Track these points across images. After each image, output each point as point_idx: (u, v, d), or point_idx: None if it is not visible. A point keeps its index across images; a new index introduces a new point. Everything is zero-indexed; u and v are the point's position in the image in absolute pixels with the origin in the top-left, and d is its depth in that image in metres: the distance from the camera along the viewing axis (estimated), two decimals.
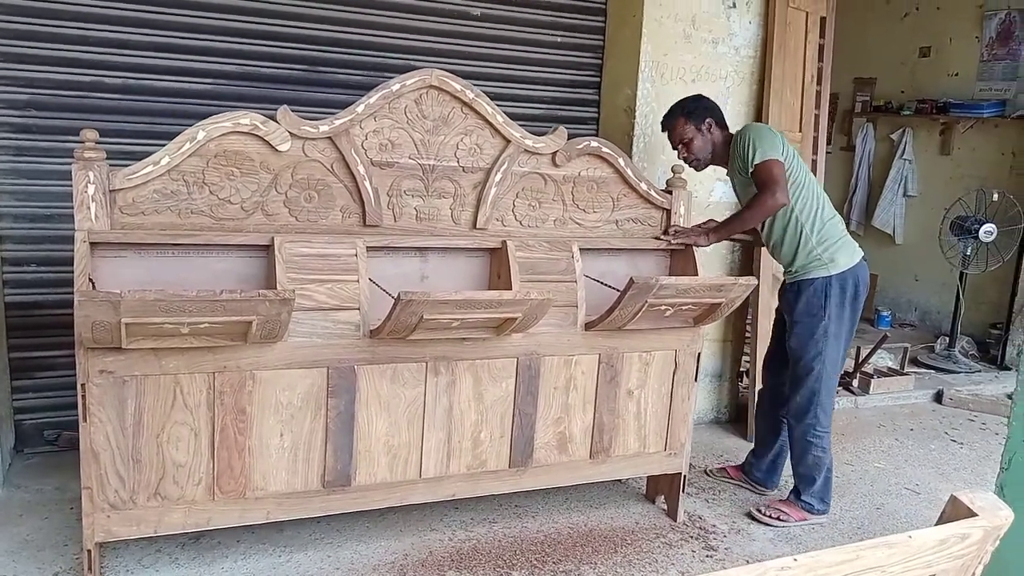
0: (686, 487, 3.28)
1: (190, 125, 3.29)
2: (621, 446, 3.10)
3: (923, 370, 5.45)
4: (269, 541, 2.89)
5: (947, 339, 5.89)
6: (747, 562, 3.00)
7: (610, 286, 2.98)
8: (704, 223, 3.21)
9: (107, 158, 2.38)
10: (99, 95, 3.28)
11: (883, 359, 5.28)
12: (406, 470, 2.76)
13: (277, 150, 2.56)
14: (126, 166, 2.41)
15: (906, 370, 5.17)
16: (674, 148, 3.31)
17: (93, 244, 2.36)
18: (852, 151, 7.13)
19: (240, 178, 2.54)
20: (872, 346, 4.86)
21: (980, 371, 5.59)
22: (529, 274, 2.84)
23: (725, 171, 3.38)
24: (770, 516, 3.28)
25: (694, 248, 3.12)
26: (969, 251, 5.52)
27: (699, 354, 3.15)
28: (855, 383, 4.87)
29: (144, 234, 2.43)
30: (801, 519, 3.27)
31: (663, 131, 3.34)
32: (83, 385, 2.30)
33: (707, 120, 3.22)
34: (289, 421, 2.56)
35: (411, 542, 2.97)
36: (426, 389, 2.73)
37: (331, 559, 2.83)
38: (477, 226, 2.87)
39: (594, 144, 2.98)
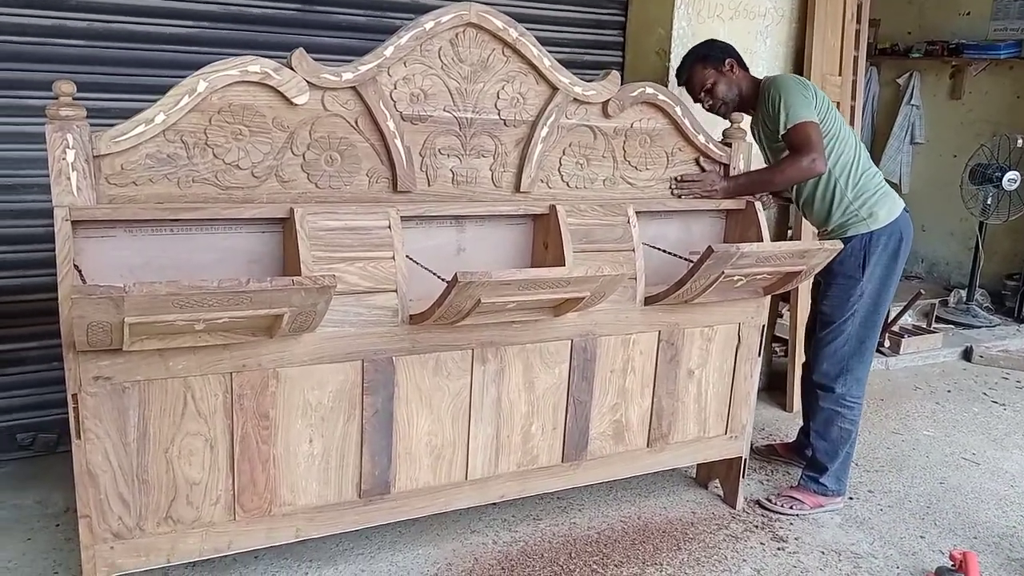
0: (745, 471, 2.97)
1: (166, 75, 2.86)
2: (680, 431, 2.78)
3: (942, 325, 5.23)
4: (292, 555, 2.52)
5: (961, 292, 5.69)
6: (822, 553, 2.72)
7: (675, 254, 2.64)
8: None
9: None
10: (61, 41, 2.79)
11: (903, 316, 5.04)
12: (451, 472, 2.41)
13: (292, 103, 2.13)
14: (102, 126, 1.96)
15: (933, 327, 4.93)
16: (696, 100, 2.96)
17: (75, 223, 1.92)
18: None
19: (249, 138, 2.11)
20: (904, 304, 4.60)
21: (999, 324, 5.39)
22: (582, 243, 2.47)
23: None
24: (782, 505, 2.97)
25: (756, 208, 2.77)
26: (990, 200, 5.27)
27: (763, 327, 2.82)
28: (886, 343, 4.62)
29: (137, 209, 2.00)
30: (816, 505, 2.97)
31: (680, 84, 3.01)
32: (74, 396, 1.88)
33: (727, 61, 2.88)
34: (319, 424, 2.18)
35: (452, 548, 2.63)
36: (472, 380, 2.36)
37: (365, 574, 2.48)
38: (521, 189, 2.48)
39: (650, 91, 2.59)
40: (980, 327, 5.27)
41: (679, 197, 2.73)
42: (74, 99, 1.90)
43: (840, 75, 3.80)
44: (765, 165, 3.06)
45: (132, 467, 1.99)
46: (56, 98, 1.88)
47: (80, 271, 1.92)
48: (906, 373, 4.55)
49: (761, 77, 2.93)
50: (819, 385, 2.96)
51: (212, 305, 1.72)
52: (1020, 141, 5.14)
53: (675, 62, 3.44)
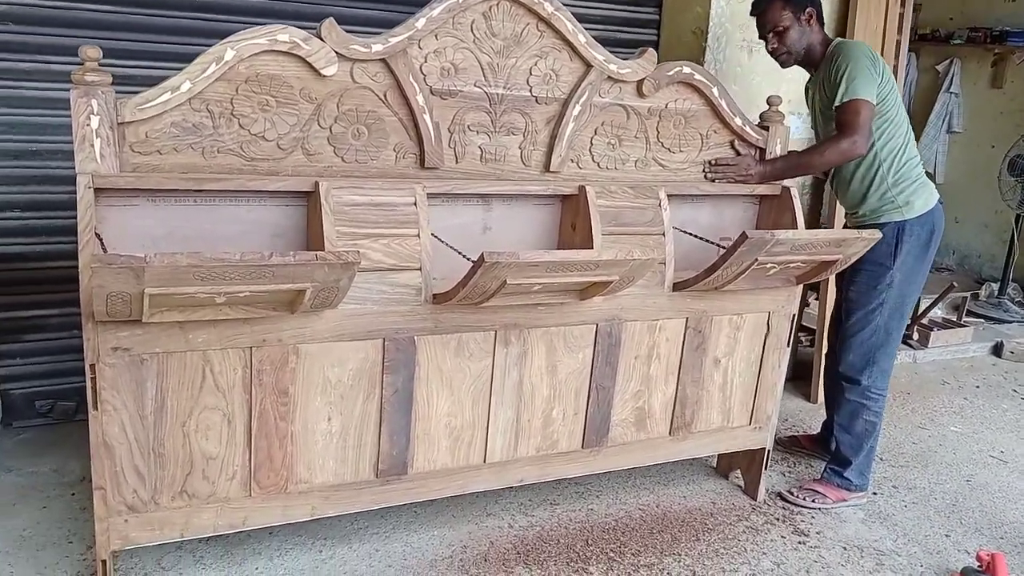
0: (768, 463, 2.92)
1: (193, 43, 2.82)
2: (704, 421, 2.73)
3: (973, 319, 5.12)
4: (307, 533, 2.50)
5: (993, 285, 5.57)
6: (844, 548, 2.67)
7: (706, 239, 2.58)
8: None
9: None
10: (88, 6, 2.75)
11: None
12: (469, 454, 2.37)
13: (321, 74, 2.08)
14: (127, 93, 1.92)
15: (963, 321, 4.83)
16: (762, 37, 2.81)
17: (98, 190, 1.89)
18: None
19: (276, 109, 2.06)
20: (936, 296, 4.50)
21: None
22: (611, 225, 2.41)
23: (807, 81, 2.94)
24: (804, 498, 2.90)
25: (791, 194, 2.70)
26: None
27: (794, 316, 2.75)
28: (915, 336, 4.53)
29: (161, 178, 1.97)
30: (839, 499, 2.90)
31: (752, 14, 2.83)
32: (92, 366, 1.86)
33: (808, 9, 2.73)
34: (338, 402, 2.15)
35: (468, 531, 2.60)
36: (494, 362, 2.32)
37: (380, 553, 2.45)
38: (550, 169, 2.42)
39: (687, 70, 2.52)
40: (1012, 322, 5.15)
41: (713, 181, 2.66)
42: (99, 65, 1.86)
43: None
44: (812, 128, 2.98)
45: (148, 440, 1.97)
46: (82, 63, 1.84)
47: (102, 240, 1.89)
48: (934, 367, 4.46)
49: (833, 37, 2.81)
50: (845, 377, 2.90)
51: (234, 278, 1.68)
52: None
53: (712, 43, 3.36)
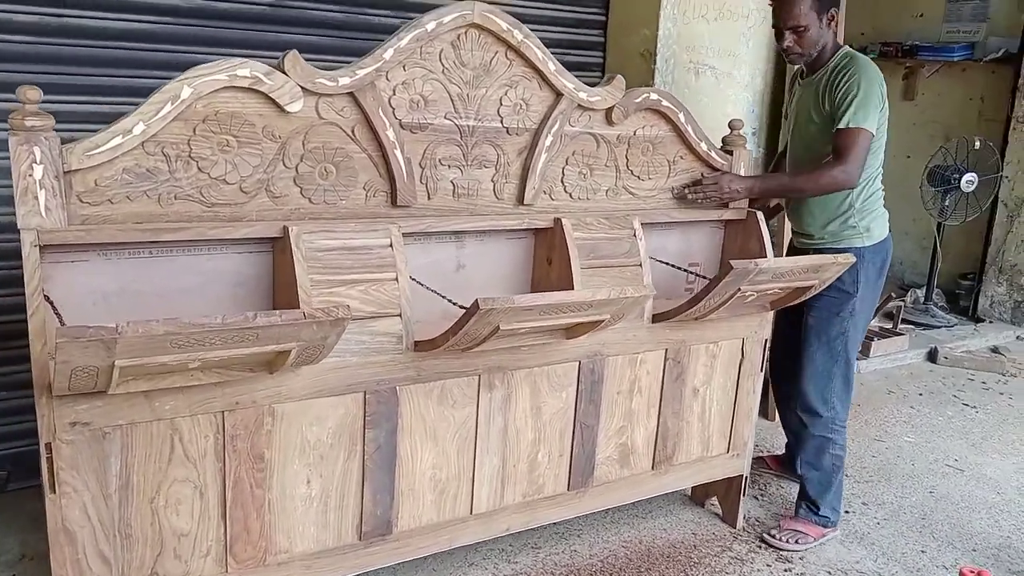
0: (746, 489, 2.88)
1: (126, 75, 2.61)
2: (684, 452, 2.67)
3: (904, 326, 5.26)
4: None
5: (918, 292, 5.74)
6: (828, 572, 2.65)
7: (679, 267, 2.53)
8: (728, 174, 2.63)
9: None
10: (7, 37, 2.51)
11: None
12: (455, 507, 2.24)
13: (285, 111, 1.93)
14: (63, 131, 1.73)
15: (899, 329, 4.95)
16: (776, 27, 2.62)
17: (43, 246, 1.69)
18: None
19: (238, 149, 1.90)
20: (876, 306, 4.59)
21: (957, 324, 5.45)
22: (588, 258, 2.33)
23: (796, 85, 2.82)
24: (786, 540, 2.78)
25: (757, 218, 2.67)
26: (948, 201, 5.33)
27: (766, 341, 2.73)
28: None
29: (114, 230, 1.78)
30: (820, 536, 2.81)
31: (771, 3, 2.63)
32: (48, 444, 1.66)
33: (831, 11, 2.57)
34: (318, 463, 1.99)
35: None
36: (478, 408, 2.20)
37: None
38: (524, 201, 2.33)
39: (654, 97, 2.47)
40: (939, 327, 5.32)
41: (695, 203, 2.59)
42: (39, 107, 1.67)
43: None
44: (781, 115, 2.93)
45: (113, 521, 1.77)
46: (22, 104, 1.65)
47: (52, 303, 1.69)
48: (876, 376, 4.55)
49: (843, 44, 2.69)
50: (807, 410, 2.78)
51: (215, 343, 1.52)
52: (978, 143, 5.20)
53: (661, 65, 3.34)
